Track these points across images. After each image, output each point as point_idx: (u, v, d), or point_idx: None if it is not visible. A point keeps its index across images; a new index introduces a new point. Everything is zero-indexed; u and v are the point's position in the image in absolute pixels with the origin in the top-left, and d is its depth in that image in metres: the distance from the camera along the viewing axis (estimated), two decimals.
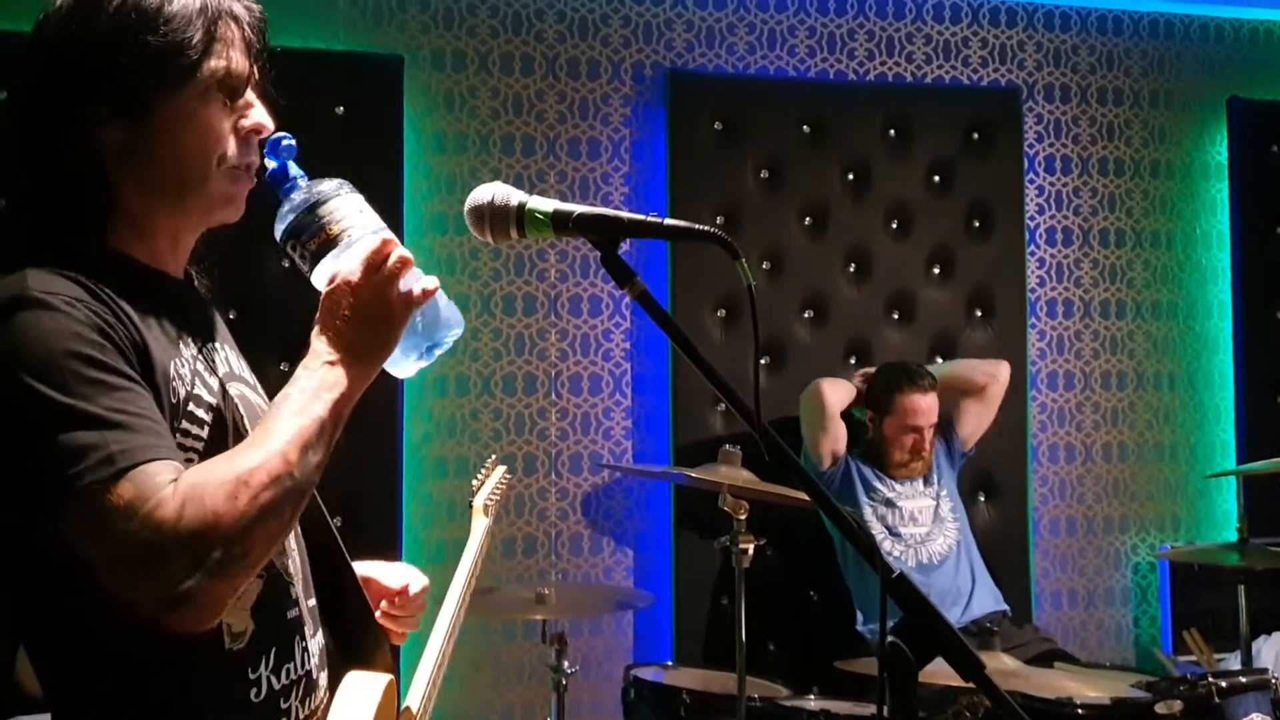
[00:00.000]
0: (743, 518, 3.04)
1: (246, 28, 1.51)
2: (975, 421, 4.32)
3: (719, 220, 4.33)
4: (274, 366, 3.56)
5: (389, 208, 4.02)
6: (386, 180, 4.04)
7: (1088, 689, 3.04)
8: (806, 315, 4.47)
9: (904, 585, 1.32)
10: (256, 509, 1.30)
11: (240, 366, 1.61)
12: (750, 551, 3.04)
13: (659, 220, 1.45)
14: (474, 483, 2.68)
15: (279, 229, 1.50)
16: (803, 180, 4.46)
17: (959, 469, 4.34)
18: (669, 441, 4.31)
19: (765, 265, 4.40)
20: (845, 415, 4.20)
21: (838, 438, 4.16)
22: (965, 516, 4.25)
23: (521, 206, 1.47)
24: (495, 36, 4.30)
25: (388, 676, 1.67)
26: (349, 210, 1.50)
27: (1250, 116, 4.84)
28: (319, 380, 1.40)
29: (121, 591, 1.28)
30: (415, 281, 1.46)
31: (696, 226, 1.45)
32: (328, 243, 1.48)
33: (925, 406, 4.12)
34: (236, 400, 1.52)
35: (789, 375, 4.37)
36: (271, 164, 1.51)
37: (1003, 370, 4.34)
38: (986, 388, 4.30)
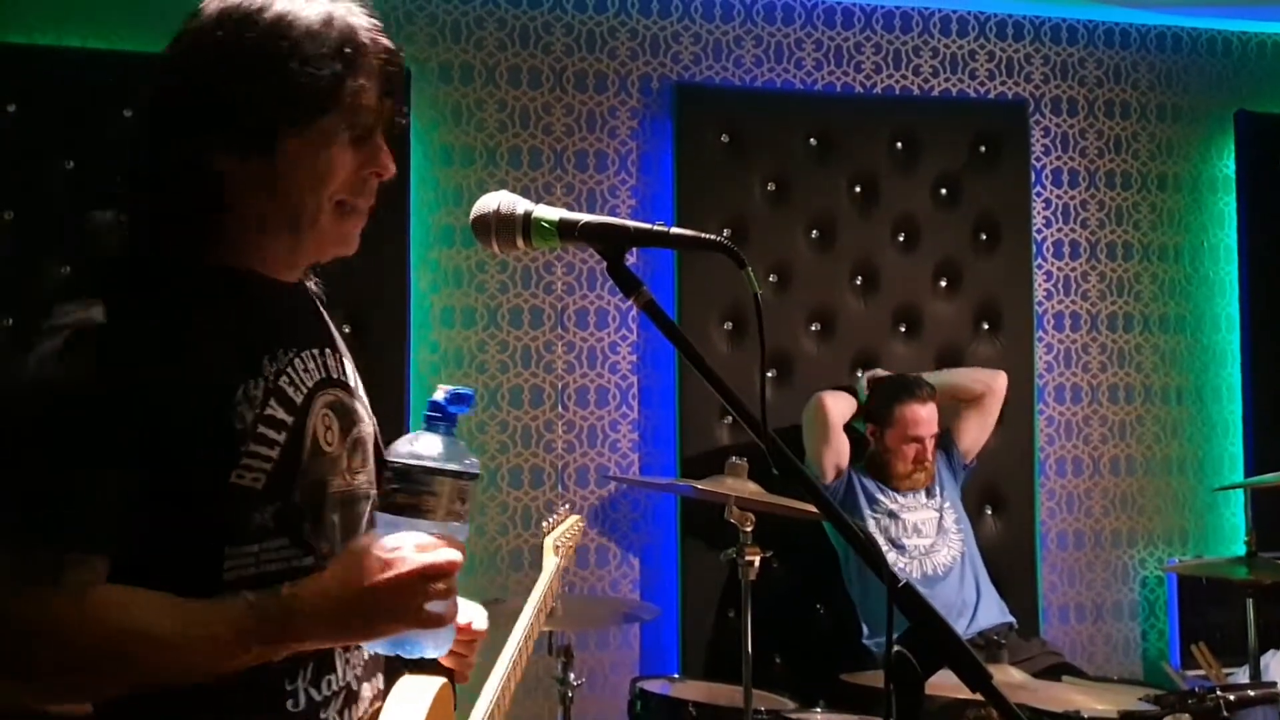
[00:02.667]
0: (749, 530, 3.04)
1: (382, 72, 1.50)
2: (974, 432, 4.31)
3: (726, 233, 4.33)
4: None
5: (396, 220, 4.06)
6: (393, 192, 4.03)
7: (1095, 703, 3.03)
8: (813, 328, 4.47)
9: (911, 596, 1.31)
10: (123, 673, 1.34)
11: (340, 369, 1.60)
12: (756, 564, 3.04)
13: (665, 229, 1.44)
14: (545, 525, 2.82)
15: (397, 450, 1.47)
16: (809, 193, 4.46)
17: (962, 482, 4.33)
18: (675, 454, 4.31)
19: (772, 278, 4.40)
20: (847, 428, 4.21)
21: (840, 451, 4.16)
22: (970, 529, 4.24)
23: (528, 215, 1.46)
24: (503, 49, 4.31)
25: (441, 680, 1.66)
26: (450, 497, 1.45)
27: (1258, 130, 4.84)
28: (282, 627, 1.38)
29: None
30: (440, 605, 1.42)
31: (703, 235, 1.45)
32: (413, 508, 1.44)
33: (925, 416, 4.12)
34: (324, 411, 1.53)
35: (795, 387, 4.37)
36: (440, 397, 1.49)
37: (999, 380, 4.34)
38: (983, 397, 4.30)
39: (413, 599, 1.40)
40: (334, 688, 1.51)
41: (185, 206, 1.45)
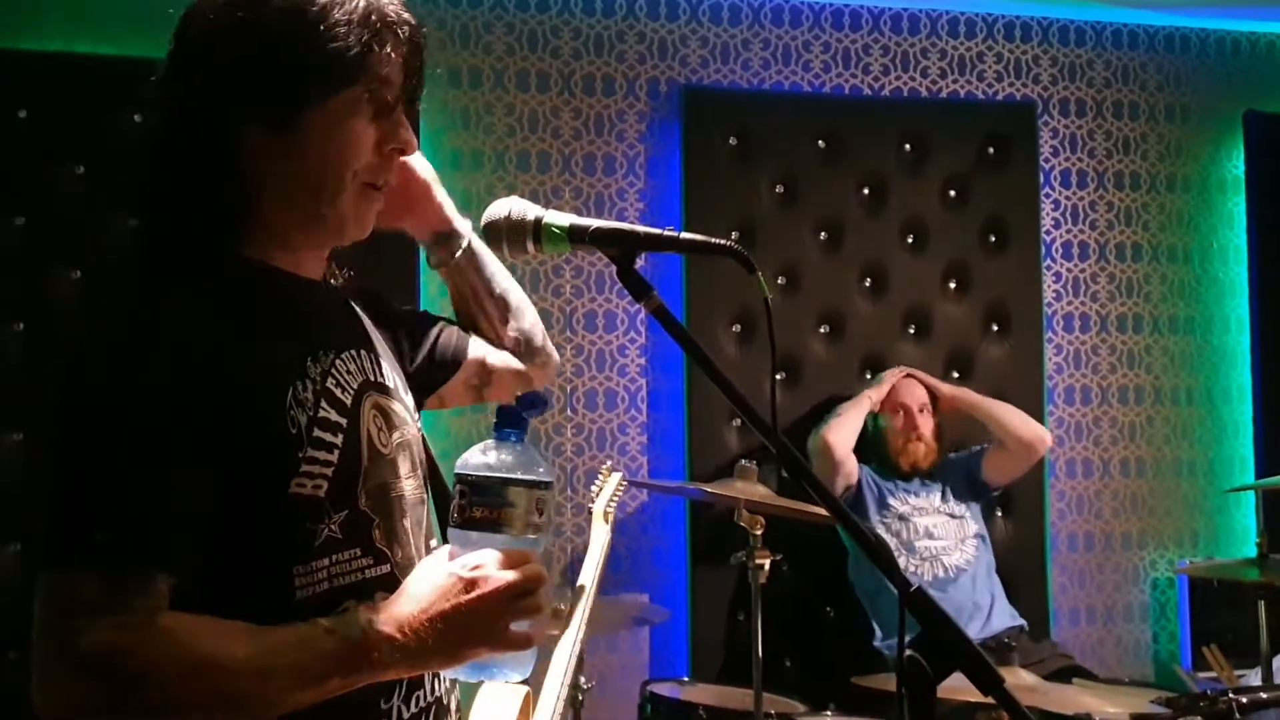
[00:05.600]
0: (759, 533, 3.03)
1: (406, 45, 1.47)
2: (1000, 475, 4.30)
3: (734, 236, 4.33)
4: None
5: None
6: None
7: (1106, 705, 3.02)
8: (822, 331, 4.46)
9: (923, 599, 1.31)
10: (199, 707, 1.23)
11: (377, 370, 1.54)
12: (766, 567, 3.03)
13: (675, 234, 1.44)
14: (593, 489, 2.65)
15: (468, 463, 1.40)
16: (818, 196, 4.46)
17: (984, 500, 4.32)
18: (685, 457, 4.31)
19: (781, 281, 4.40)
20: (862, 431, 4.24)
21: (850, 473, 4.17)
22: (987, 536, 4.24)
23: (538, 221, 1.46)
24: (511, 54, 4.31)
25: (524, 689, 1.61)
26: (527, 508, 1.38)
27: (1266, 130, 4.83)
28: (363, 657, 1.29)
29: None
30: (526, 625, 1.36)
31: (713, 240, 1.44)
32: (490, 522, 1.37)
33: (905, 388, 4.22)
34: (373, 413, 1.47)
35: (805, 391, 4.37)
36: (511, 404, 1.44)
37: (1044, 439, 4.28)
38: (1016, 451, 4.23)
39: (499, 619, 1.33)
40: (424, 702, 1.45)
41: (209, 181, 1.38)
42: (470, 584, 1.33)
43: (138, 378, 1.28)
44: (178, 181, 1.39)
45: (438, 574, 1.35)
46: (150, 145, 1.42)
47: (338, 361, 1.46)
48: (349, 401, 1.44)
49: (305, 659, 1.26)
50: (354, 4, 1.40)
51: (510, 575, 1.34)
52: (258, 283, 1.43)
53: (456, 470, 1.41)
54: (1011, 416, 4.28)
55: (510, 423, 1.42)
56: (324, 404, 1.40)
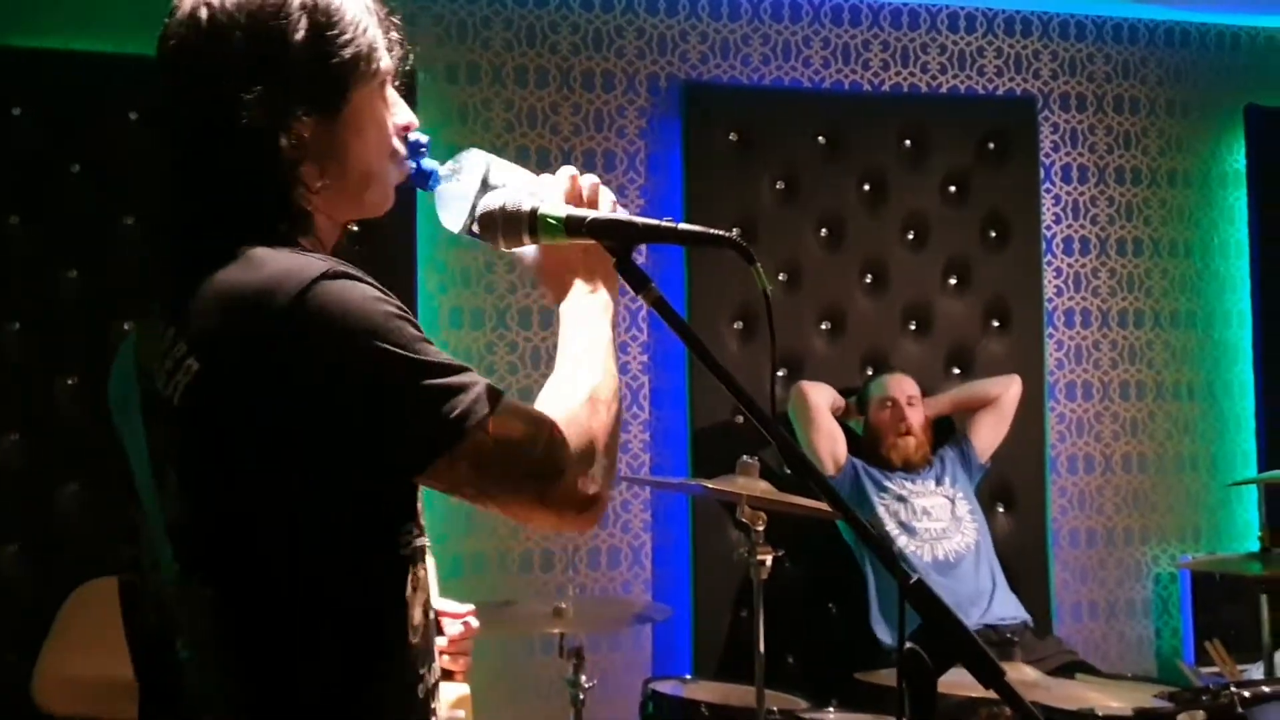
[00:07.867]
0: (760, 529, 3.03)
1: (395, 32, 1.55)
2: (989, 433, 4.32)
3: (735, 232, 4.30)
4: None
5: (403, 221, 4.05)
6: (399, 192, 4.03)
7: (1110, 700, 3.02)
8: (823, 327, 4.46)
9: (922, 591, 1.30)
10: (613, 419, 1.49)
11: None
12: (768, 563, 3.03)
13: (673, 225, 1.44)
14: None
15: (467, 211, 1.55)
16: (818, 192, 4.45)
17: (977, 481, 4.32)
18: (686, 454, 4.30)
19: (782, 277, 4.39)
20: (846, 428, 4.26)
21: (835, 437, 4.18)
22: (984, 520, 4.24)
23: (534, 211, 1.46)
24: (510, 49, 4.30)
25: (465, 688, 1.73)
26: (508, 168, 1.60)
27: (1267, 124, 4.82)
28: (593, 304, 1.56)
29: (530, 507, 1.42)
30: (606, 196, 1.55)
31: (711, 231, 1.45)
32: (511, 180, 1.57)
33: (893, 381, 4.24)
34: None
35: None
36: (413, 166, 1.57)
37: (1014, 384, 4.36)
38: (999, 399, 4.33)
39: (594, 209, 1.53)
40: (435, 677, 1.53)
41: (277, 175, 1.42)
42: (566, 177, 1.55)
43: (385, 296, 1.40)
44: (245, 174, 1.42)
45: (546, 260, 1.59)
46: (200, 142, 1.43)
47: None
48: None
49: (598, 341, 1.56)
50: (356, 2, 1.48)
51: (564, 171, 1.56)
52: None
53: (469, 225, 1.56)
54: (977, 382, 4.43)
55: (429, 173, 1.60)
56: None
